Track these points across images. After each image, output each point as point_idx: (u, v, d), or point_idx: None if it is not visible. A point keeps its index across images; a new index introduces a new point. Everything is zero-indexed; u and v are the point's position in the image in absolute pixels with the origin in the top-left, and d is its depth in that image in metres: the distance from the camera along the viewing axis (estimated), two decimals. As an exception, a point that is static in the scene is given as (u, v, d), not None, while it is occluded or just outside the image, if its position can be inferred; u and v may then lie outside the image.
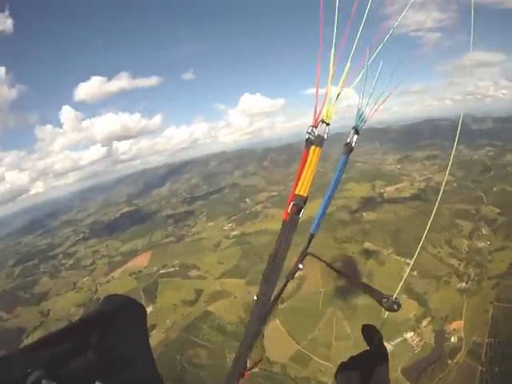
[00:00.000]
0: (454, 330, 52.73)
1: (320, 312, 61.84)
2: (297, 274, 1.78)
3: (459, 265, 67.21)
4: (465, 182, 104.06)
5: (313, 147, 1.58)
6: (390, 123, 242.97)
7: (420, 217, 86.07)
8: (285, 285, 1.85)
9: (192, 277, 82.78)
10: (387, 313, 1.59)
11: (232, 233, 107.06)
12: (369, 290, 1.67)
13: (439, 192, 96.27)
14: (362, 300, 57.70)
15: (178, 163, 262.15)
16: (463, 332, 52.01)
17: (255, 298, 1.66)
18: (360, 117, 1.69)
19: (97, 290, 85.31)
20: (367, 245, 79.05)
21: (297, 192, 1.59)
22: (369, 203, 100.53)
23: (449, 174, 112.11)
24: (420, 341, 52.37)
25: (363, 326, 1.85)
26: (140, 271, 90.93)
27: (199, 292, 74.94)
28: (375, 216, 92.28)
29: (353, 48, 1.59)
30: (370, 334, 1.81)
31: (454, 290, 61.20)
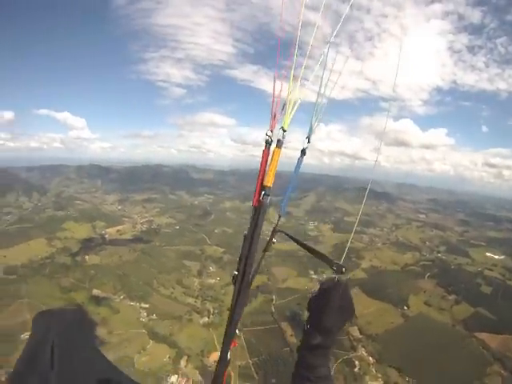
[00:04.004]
0: (214, 361, 51.09)
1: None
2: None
3: (196, 302, 68.68)
4: (187, 225, 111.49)
5: (275, 148, 1.96)
6: (114, 163, 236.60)
7: (145, 259, 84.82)
8: (262, 257, 2.16)
9: None
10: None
11: None
12: (322, 258, 1.98)
13: (161, 233, 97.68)
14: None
15: None
16: (224, 361, 51.79)
17: (235, 273, 2.04)
18: (312, 128, 2.14)
19: None
20: (96, 292, 69.18)
21: (264, 183, 1.95)
22: (90, 245, 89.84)
23: (170, 217, 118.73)
24: (188, 381, 48.34)
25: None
26: None
27: None
28: (99, 260, 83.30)
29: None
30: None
31: (199, 325, 61.46)
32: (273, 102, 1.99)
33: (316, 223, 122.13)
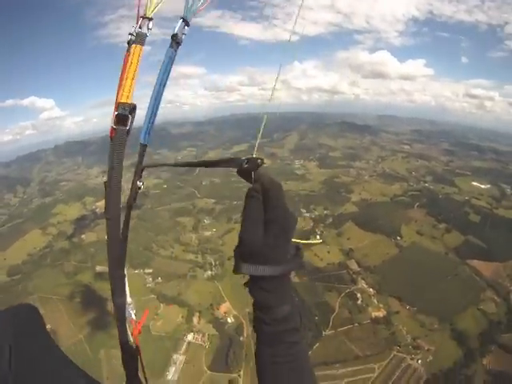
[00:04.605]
0: (225, 312, 53.52)
1: (95, 359, 46.12)
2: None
3: (196, 257, 69.32)
4: (174, 182, 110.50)
5: (133, 46, 1.48)
6: (90, 135, 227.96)
7: (140, 224, 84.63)
8: (129, 212, 1.67)
9: None
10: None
11: None
12: (224, 163, 1.43)
13: (150, 195, 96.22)
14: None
15: None
16: (234, 310, 53.72)
17: (106, 237, 1.55)
18: (190, 8, 1.59)
19: None
20: (99, 268, 68.74)
21: (120, 100, 1.46)
22: (84, 223, 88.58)
23: (156, 177, 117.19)
24: (203, 336, 50.16)
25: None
26: None
27: None
28: (96, 236, 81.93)
29: None
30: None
31: (203, 280, 62.63)
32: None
33: (302, 161, 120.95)
